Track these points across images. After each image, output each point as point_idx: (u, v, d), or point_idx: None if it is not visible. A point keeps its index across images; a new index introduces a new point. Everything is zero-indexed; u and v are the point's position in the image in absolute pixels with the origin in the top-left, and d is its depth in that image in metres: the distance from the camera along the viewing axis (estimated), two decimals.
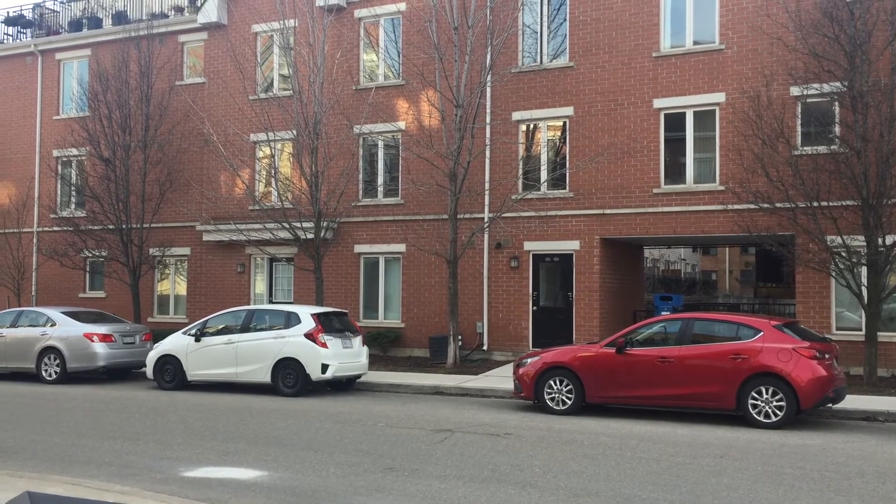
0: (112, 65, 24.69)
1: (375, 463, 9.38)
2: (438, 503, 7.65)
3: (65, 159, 27.33)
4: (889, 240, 16.00)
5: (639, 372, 12.81)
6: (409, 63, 21.88)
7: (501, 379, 16.89)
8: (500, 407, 14.26)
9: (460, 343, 20.01)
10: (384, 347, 21.84)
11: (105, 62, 25.25)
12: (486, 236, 21.04)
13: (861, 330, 16.79)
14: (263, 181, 23.94)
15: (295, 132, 21.38)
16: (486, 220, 20.68)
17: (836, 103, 17.27)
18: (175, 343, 17.15)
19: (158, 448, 10.46)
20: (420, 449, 10.24)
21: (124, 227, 23.85)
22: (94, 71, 25.69)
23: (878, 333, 16.35)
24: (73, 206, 27.01)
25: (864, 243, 16.25)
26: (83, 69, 27.28)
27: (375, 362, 19.63)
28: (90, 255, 25.31)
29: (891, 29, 16.10)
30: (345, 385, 16.93)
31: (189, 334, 17.07)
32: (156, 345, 17.81)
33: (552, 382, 13.41)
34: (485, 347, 21.17)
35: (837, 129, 17.24)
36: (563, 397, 13.32)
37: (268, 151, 23.25)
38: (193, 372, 16.78)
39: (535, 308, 21.01)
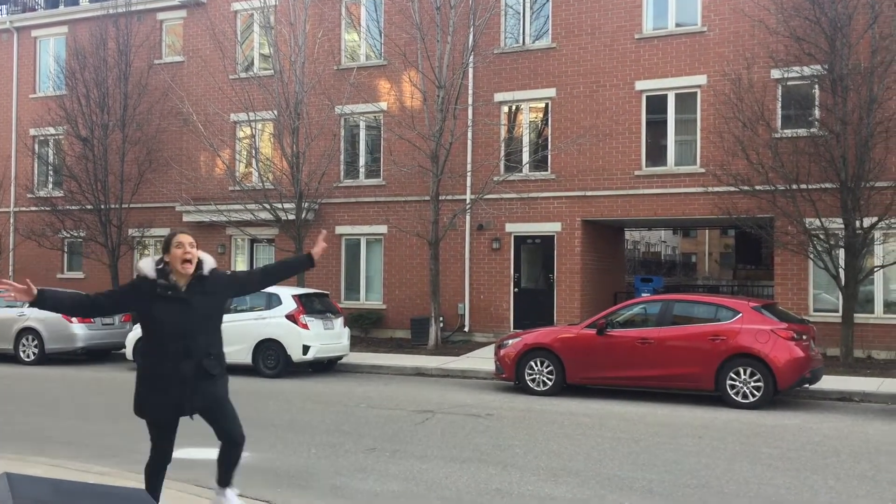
0: (90, 42, 24.36)
1: (357, 444, 9.40)
2: (420, 484, 7.68)
3: (42, 138, 26.99)
4: (867, 222, 16.17)
5: (619, 353, 12.90)
6: (391, 43, 21.75)
7: (483, 360, 16.96)
8: (481, 388, 14.32)
9: (442, 324, 20.05)
10: (366, 329, 21.84)
11: (82, 40, 24.90)
12: (467, 218, 21.03)
13: (838, 311, 16.99)
14: (244, 161, 23.77)
15: (276, 112, 21.22)
16: (467, 201, 20.67)
17: (817, 86, 17.38)
18: None
19: (139, 429, 10.33)
20: (402, 430, 10.28)
21: (103, 207, 23.62)
22: (71, 49, 25.33)
23: (855, 315, 16.55)
24: (50, 186, 26.71)
25: (842, 226, 16.42)
26: (60, 47, 26.88)
27: (357, 343, 19.64)
28: (68, 235, 25.07)
29: (871, 12, 16.18)
30: (326, 366, 16.93)
31: None
32: (135, 326, 17.70)
33: (533, 363, 13.48)
34: (466, 329, 21.22)
35: (817, 112, 17.37)
36: (544, 378, 13.39)
37: (248, 131, 23.08)
38: None
39: (516, 290, 21.06)
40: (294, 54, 20.92)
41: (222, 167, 23.34)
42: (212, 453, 9.03)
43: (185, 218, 24.19)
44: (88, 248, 24.68)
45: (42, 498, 3.68)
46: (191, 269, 5.26)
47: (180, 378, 5.24)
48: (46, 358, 18.19)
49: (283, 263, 5.82)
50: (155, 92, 24.52)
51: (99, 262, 24.28)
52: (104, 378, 15.89)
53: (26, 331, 18.31)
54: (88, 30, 25.09)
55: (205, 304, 5.33)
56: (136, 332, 17.23)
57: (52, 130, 26.00)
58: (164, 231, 25.09)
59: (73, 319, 18.13)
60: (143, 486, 5.96)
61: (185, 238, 5.30)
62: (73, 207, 24.02)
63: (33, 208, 26.30)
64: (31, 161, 26.99)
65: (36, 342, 18.21)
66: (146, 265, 5.32)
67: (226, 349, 18.24)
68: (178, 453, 8.99)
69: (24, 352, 18.29)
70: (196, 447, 9.36)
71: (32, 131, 26.95)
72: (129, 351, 17.19)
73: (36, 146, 26.99)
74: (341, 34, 23.05)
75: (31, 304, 5.07)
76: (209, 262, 5.44)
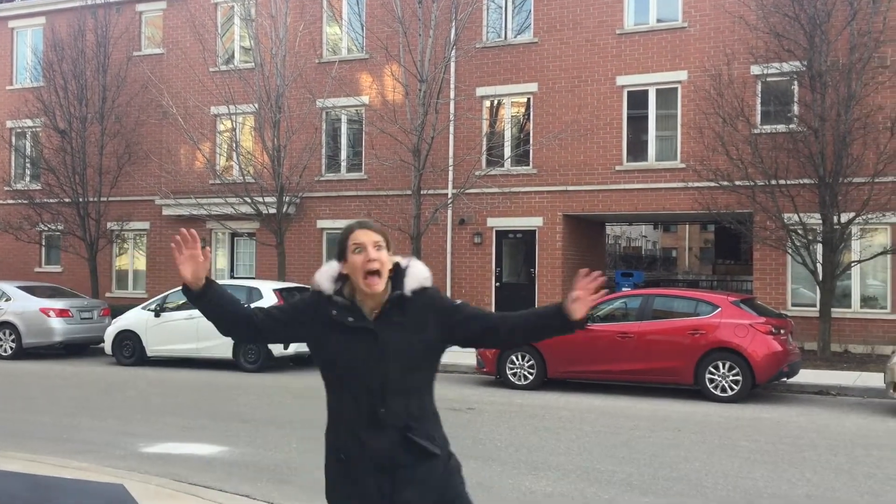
0: (68, 34, 24.10)
1: None
2: None
3: (19, 130, 26.69)
4: (844, 218, 16.32)
5: (599, 347, 12.96)
6: (373, 36, 21.67)
7: (464, 354, 16.87)
8: (462, 382, 14.35)
9: None
10: None
11: (60, 31, 24.63)
12: (449, 212, 21.03)
13: (816, 306, 17.15)
14: (224, 155, 23.63)
15: (257, 105, 21.11)
16: (449, 196, 20.66)
17: (796, 83, 17.52)
18: (134, 318, 16.94)
19: (118, 424, 10.36)
20: None
21: (81, 200, 23.41)
22: (48, 40, 25.05)
23: (832, 309, 16.71)
24: (27, 179, 26.42)
25: (820, 221, 16.57)
26: (37, 38, 26.57)
27: None
28: (46, 228, 24.82)
29: (850, 9, 16.32)
30: (308, 361, 16.89)
31: (149, 309, 16.87)
32: (114, 320, 17.58)
33: (514, 358, 13.51)
34: None
35: (796, 108, 17.50)
36: (525, 372, 13.43)
37: (229, 125, 22.93)
38: (153, 347, 16.61)
39: (498, 284, 21.10)
40: (275, 47, 20.80)
41: (202, 160, 23.18)
42: (191, 448, 9.01)
43: (165, 211, 24.02)
44: (66, 242, 24.44)
45: (20, 493, 3.66)
46: (378, 285, 3.07)
47: (373, 459, 3.07)
48: (24, 352, 18.01)
49: (534, 317, 3.19)
50: (134, 84, 24.31)
51: (77, 255, 24.07)
52: (82, 372, 15.77)
53: (3, 325, 18.10)
54: (66, 21, 24.82)
55: (405, 342, 3.09)
56: (116, 326, 17.12)
57: (29, 122, 25.70)
58: (144, 224, 24.92)
59: (51, 313, 17.97)
60: (121, 480, 5.83)
61: (367, 236, 3.10)
62: (51, 200, 23.78)
63: (10, 201, 25.99)
64: (9, 153, 26.66)
65: (13, 336, 18.02)
66: (324, 274, 3.18)
67: (206, 343, 17.82)
68: (155, 449, 8.97)
69: (1, 346, 18.11)
70: (174, 442, 9.32)
71: (9, 123, 26.62)
72: (108, 345, 17.06)
73: (13, 138, 26.68)
74: (323, 27, 22.94)
75: (196, 298, 3.21)
76: (417, 275, 3.25)
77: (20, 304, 18.20)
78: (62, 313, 18.09)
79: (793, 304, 18.13)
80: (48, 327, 17.95)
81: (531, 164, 20.57)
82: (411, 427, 3.13)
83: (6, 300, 18.44)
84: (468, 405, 11.74)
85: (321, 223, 22.74)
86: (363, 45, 22.42)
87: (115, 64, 24.06)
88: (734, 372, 12.10)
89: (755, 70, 18.01)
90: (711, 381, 12.22)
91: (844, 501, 7.01)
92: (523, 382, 13.41)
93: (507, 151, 20.67)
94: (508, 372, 13.54)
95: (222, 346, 15.91)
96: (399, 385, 3.11)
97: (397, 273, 3.21)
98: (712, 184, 17.73)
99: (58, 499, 5.52)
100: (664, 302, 13.48)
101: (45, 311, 17.97)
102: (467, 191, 20.07)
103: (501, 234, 21.10)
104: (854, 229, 16.86)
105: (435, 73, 19.54)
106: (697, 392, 12.49)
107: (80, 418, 10.72)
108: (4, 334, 18.12)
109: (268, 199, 20.81)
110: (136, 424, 10.33)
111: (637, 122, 19.82)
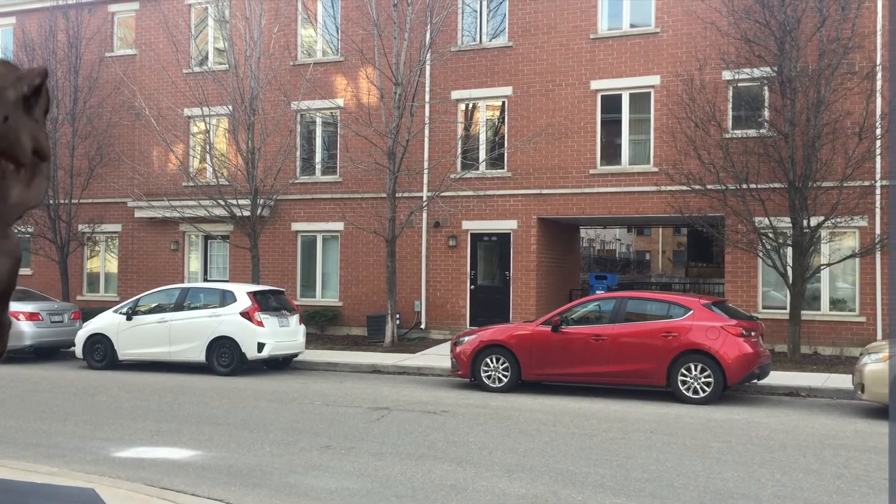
0: (38, 34, 23.83)
1: (312, 441, 9.36)
2: (375, 481, 7.69)
3: None
4: (814, 221, 16.56)
5: (573, 350, 13.04)
6: (348, 39, 21.64)
7: (439, 357, 16.99)
8: (437, 385, 14.36)
9: (398, 322, 20.03)
10: (322, 326, 21.74)
11: (31, 31, 24.34)
12: (424, 215, 21.05)
13: (786, 308, 17.37)
14: (198, 157, 23.46)
15: (231, 107, 20.98)
16: (424, 198, 20.68)
17: (766, 88, 17.76)
18: (106, 322, 16.77)
19: (88, 429, 10.25)
20: (357, 427, 10.27)
21: (51, 202, 23.13)
22: (19, 40, 24.75)
23: (802, 312, 16.93)
24: None
25: (790, 225, 16.79)
26: (8, 38, 26.24)
27: (313, 341, 19.54)
28: (15, 230, 24.43)
29: (819, 16, 16.56)
30: (281, 364, 16.82)
31: (120, 313, 16.72)
32: (85, 323, 17.40)
33: (489, 360, 13.54)
34: (423, 326, 21.24)
35: (767, 113, 17.74)
36: (500, 375, 13.47)
37: (202, 127, 22.76)
38: (125, 351, 16.45)
39: (472, 287, 21.13)
40: (249, 49, 20.70)
41: (175, 162, 23.00)
42: (163, 452, 8.94)
43: (137, 214, 23.81)
44: (37, 244, 24.14)
45: None
46: None
47: None
48: None
49: None
50: (106, 85, 24.08)
51: (48, 258, 23.78)
52: (53, 376, 15.58)
53: None
54: (37, 21, 24.53)
55: None
56: (87, 329, 16.93)
57: None
58: (116, 227, 24.66)
59: (21, 317, 17.74)
60: (91, 485, 5.80)
61: None
62: None
63: None
64: None
65: None
66: None
67: (179, 347, 17.86)
68: (126, 453, 8.89)
69: None
70: (145, 446, 9.25)
71: None
72: (78, 349, 16.87)
73: None
74: (297, 29, 22.87)
75: None
76: None
77: None
78: (32, 317, 17.87)
79: (763, 307, 18.34)
80: (17, 331, 17.67)
81: (506, 167, 20.64)
82: None
83: None
84: (443, 408, 11.76)
85: (296, 226, 22.66)
86: (338, 47, 22.38)
87: (86, 65, 23.82)
88: (706, 374, 12.23)
89: (726, 75, 18.22)
90: (684, 382, 12.33)
91: (813, 501, 7.11)
92: (498, 385, 13.45)
93: (482, 155, 20.73)
94: (483, 374, 13.57)
95: (195, 350, 15.80)
96: None
97: None
98: (685, 187, 17.91)
99: (26, 503, 5.45)
100: (637, 305, 13.60)
101: (14, 315, 17.73)
102: (442, 194, 20.10)
103: (476, 237, 21.15)
104: (823, 233, 17.11)
105: (410, 77, 19.55)
106: (670, 394, 12.60)
107: (50, 423, 10.60)
108: None
109: (242, 202, 20.70)
110: (107, 429, 10.23)
111: (611, 126, 19.96)
